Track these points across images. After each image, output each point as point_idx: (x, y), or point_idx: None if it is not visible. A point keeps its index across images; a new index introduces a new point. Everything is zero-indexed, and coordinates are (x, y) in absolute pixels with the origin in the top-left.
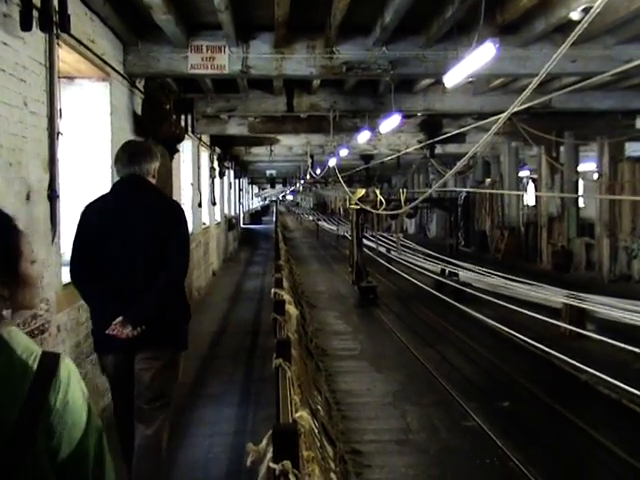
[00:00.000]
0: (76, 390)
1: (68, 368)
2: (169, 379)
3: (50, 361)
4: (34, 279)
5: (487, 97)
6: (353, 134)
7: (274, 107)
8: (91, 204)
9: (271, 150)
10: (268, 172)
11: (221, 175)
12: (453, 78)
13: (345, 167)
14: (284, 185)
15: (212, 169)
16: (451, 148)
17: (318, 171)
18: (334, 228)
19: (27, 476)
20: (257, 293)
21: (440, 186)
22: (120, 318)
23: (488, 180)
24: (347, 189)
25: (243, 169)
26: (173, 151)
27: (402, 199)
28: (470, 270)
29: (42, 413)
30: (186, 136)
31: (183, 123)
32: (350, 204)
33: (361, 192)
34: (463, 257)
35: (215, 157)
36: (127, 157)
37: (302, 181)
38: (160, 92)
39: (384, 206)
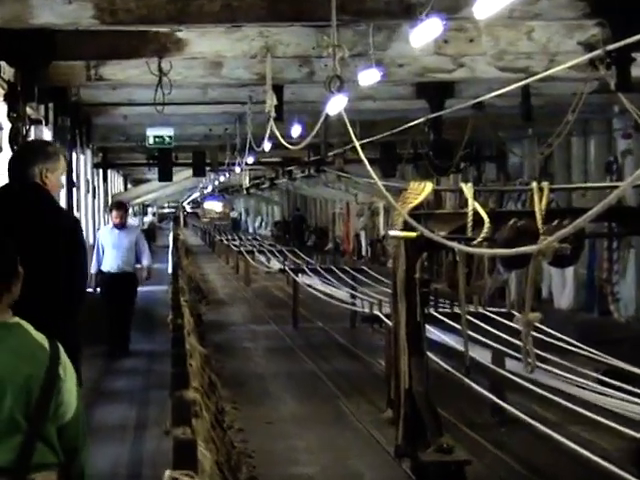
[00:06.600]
0: (69, 364)
1: (61, 347)
2: None
3: (54, 342)
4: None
5: None
6: (394, 27)
7: None
8: None
9: (161, 72)
10: (152, 135)
11: (15, 140)
12: None
13: (372, 122)
14: (198, 173)
15: None
16: None
17: (295, 131)
18: (343, 294)
19: (41, 435)
20: None
21: None
22: None
23: None
24: (380, 183)
25: (81, 125)
26: None
27: (539, 211)
28: None
29: (57, 382)
30: None
31: None
32: (393, 223)
33: (422, 191)
34: None
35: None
36: (13, 161)
37: (250, 159)
38: None
39: (487, 231)
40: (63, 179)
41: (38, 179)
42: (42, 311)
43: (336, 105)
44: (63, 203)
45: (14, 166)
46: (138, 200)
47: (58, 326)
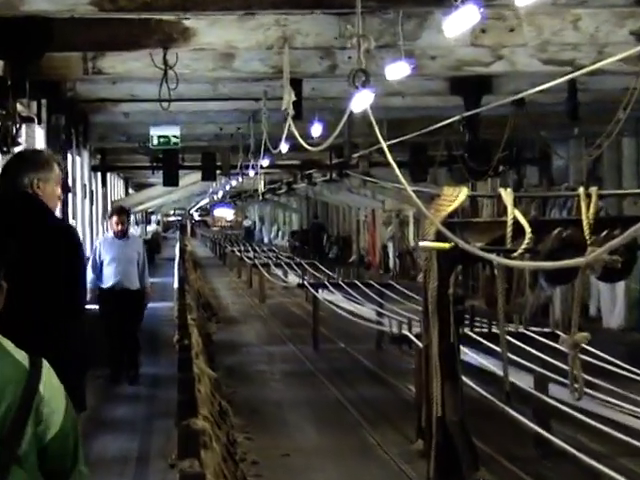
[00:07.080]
0: (55, 382)
1: (47, 365)
2: None
3: (36, 360)
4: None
5: None
6: (425, 15)
7: None
8: None
9: (166, 65)
10: (156, 135)
11: (4, 140)
12: None
13: (401, 121)
14: (207, 177)
15: None
16: None
17: (316, 131)
18: (369, 312)
19: (17, 460)
20: None
21: None
22: None
23: None
24: (410, 188)
25: (77, 124)
26: None
27: (586, 220)
28: None
29: (34, 400)
30: None
31: None
32: (424, 233)
33: (456, 197)
34: None
35: None
36: (3, 172)
37: (265, 162)
38: None
39: (529, 242)
40: (59, 189)
41: (29, 189)
42: (31, 326)
43: (361, 102)
44: (57, 211)
45: (4, 177)
46: (141, 207)
47: (49, 341)
